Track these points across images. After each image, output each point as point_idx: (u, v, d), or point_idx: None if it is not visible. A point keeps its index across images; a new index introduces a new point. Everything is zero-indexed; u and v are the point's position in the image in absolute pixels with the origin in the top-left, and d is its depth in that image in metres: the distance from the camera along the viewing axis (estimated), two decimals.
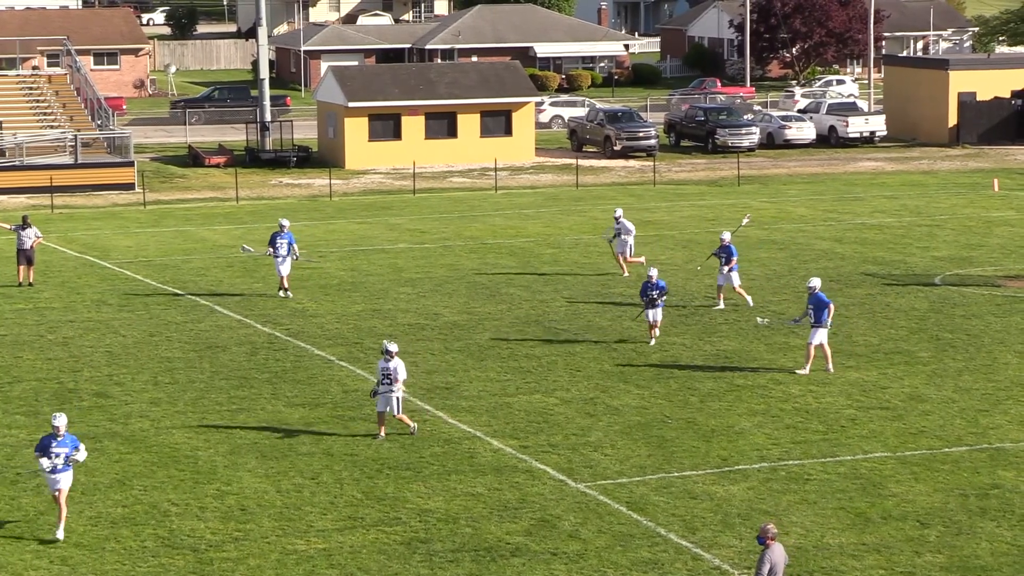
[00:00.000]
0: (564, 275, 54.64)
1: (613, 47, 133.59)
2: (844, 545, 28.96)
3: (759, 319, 45.31)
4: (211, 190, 79.39)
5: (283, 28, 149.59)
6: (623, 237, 53.37)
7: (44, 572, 27.86)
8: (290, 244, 50.89)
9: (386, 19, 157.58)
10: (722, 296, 48.63)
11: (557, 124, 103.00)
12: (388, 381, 34.78)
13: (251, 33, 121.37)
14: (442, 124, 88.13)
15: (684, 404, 37.71)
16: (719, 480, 32.57)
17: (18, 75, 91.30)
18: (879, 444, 34.88)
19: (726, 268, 48.12)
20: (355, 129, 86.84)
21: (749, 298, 48.58)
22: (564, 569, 27.84)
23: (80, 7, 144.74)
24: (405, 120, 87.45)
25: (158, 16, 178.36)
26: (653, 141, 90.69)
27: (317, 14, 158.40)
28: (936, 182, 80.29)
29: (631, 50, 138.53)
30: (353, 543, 29.19)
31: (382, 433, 35.14)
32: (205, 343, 44.92)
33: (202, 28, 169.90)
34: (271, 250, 50.87)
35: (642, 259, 53.76)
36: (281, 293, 51.10)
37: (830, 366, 40.48)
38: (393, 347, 34.96)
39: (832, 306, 40.50)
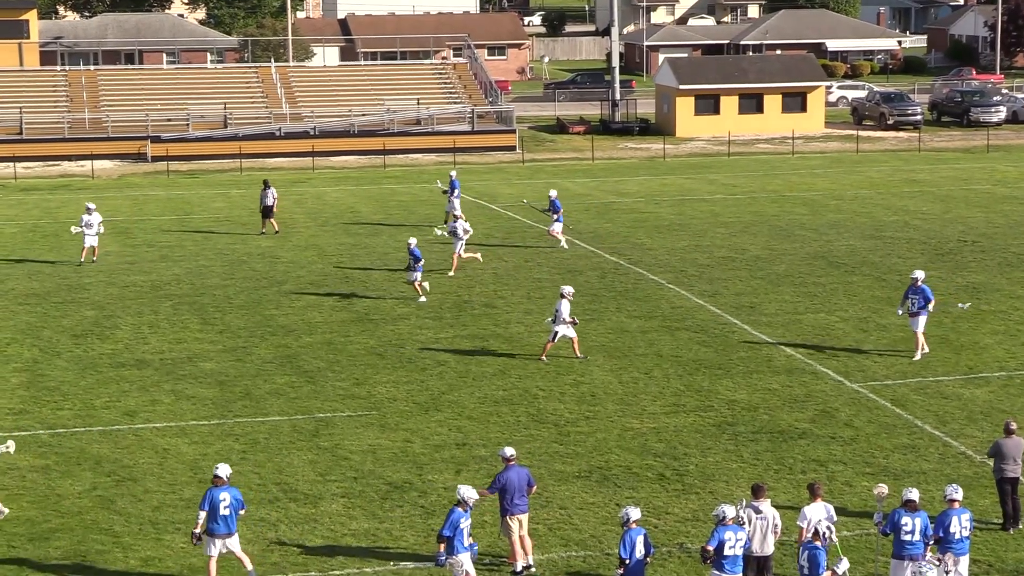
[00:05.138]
0: (845, 221, 53.53)
1: (888, 43, 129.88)
2: None
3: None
4: (573, 151, 79.74)
5: (630, 28, 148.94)
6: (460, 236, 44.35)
7: (446, 436, 28.41)
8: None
9: (710, 21, 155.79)
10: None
11: (842, 103, 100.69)
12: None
13: (606, 32, 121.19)
14: (751, 102, 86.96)
15: (939, 324, 36.65)
16: (966, 384, 31.62)
17: (431, 63, 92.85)
18: None
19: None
20: (684, 106, 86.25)
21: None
22: (840, 450, 27.38)
23: (478, 11, 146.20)
24: (723, 99, 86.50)
25: (536, 18, 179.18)
26: (919, 117, 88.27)
27: (657, 17, 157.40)
28: None
29: (902, 45, 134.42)
30: (676, 424, 29.13)
31: None
32: (567, 268, 45.19)
33: (569, 28, 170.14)
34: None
35: (478, 255, 45.32)
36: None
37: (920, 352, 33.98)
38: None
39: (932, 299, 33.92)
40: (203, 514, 20.96)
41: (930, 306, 33.69)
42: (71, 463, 26.95)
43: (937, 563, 19.91)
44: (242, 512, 21.36)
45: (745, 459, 26.87)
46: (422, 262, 40.31)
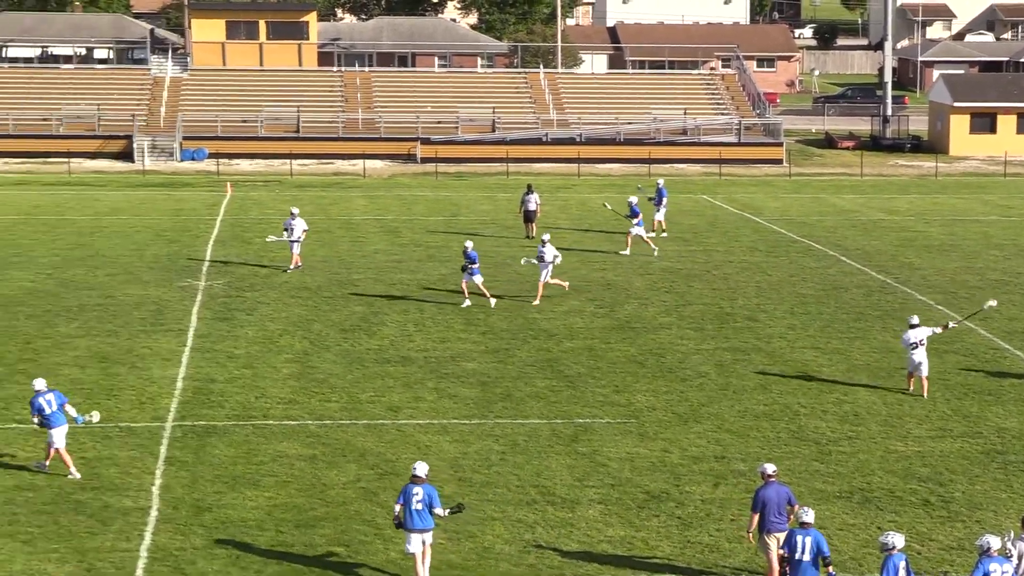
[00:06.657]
0: None
1: None
2: None
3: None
4: (841, 167, 78.56)
5: (904, 43, 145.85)
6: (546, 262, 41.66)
7: (704, 448, 28.23)
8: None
9: (989, 37, 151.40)
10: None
11: None
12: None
13: (879, 46, 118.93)
14: None
15: None
16: None
17: (699, 73, 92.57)
18: None
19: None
20: (958, 124, 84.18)
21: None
22: None
23: (748, 22, 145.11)
24: (1000, 118, 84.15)
25: (807, 31, 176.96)
26: None
27: (933, 32, 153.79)
28: None
29: None
30: (942, 449, 28.40)
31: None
32: (832, 284, 44.53)
33: (840, 41, 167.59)
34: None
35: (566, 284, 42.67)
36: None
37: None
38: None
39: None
40: (398, 506, 21.59)
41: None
42: (337, 454, 27.66)
43: None
44: (437, 511, 21.42)
45: (1015, 489, 26.02)
46: (477, 264, 40.44)
